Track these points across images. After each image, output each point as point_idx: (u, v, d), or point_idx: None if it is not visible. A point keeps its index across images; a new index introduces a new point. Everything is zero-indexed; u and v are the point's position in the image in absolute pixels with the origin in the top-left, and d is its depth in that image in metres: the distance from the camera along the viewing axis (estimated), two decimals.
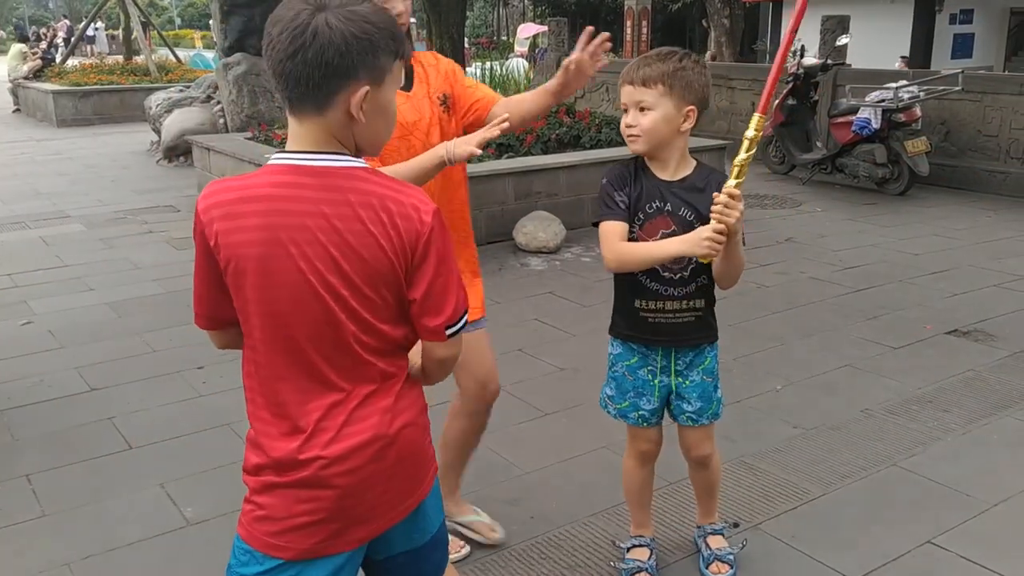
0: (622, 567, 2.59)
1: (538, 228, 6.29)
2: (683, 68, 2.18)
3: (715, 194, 2.10)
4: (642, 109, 2.19)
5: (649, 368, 2.37)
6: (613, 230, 2.22)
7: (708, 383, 2.39)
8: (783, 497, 3.00)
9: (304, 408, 1.43)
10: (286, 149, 1.44)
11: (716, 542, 2.61)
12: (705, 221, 2.16)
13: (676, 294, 2.28)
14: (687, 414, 2.39)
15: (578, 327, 4.72)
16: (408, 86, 2.38)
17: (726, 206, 2.06)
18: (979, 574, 2.57)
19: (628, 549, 2.62)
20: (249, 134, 8.59)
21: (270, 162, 1.44)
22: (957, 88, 8.12)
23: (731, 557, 2.58)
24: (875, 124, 8.02)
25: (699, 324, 2.33)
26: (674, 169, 2.27)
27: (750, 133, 2.07)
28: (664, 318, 2.30)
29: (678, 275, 2.27)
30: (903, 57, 17.20)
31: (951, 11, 20.05)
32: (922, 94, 8.16)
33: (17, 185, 9.31)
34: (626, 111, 2.23)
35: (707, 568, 2.56)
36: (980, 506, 2.91)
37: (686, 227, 2.21)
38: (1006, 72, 17.74)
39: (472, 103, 2.49)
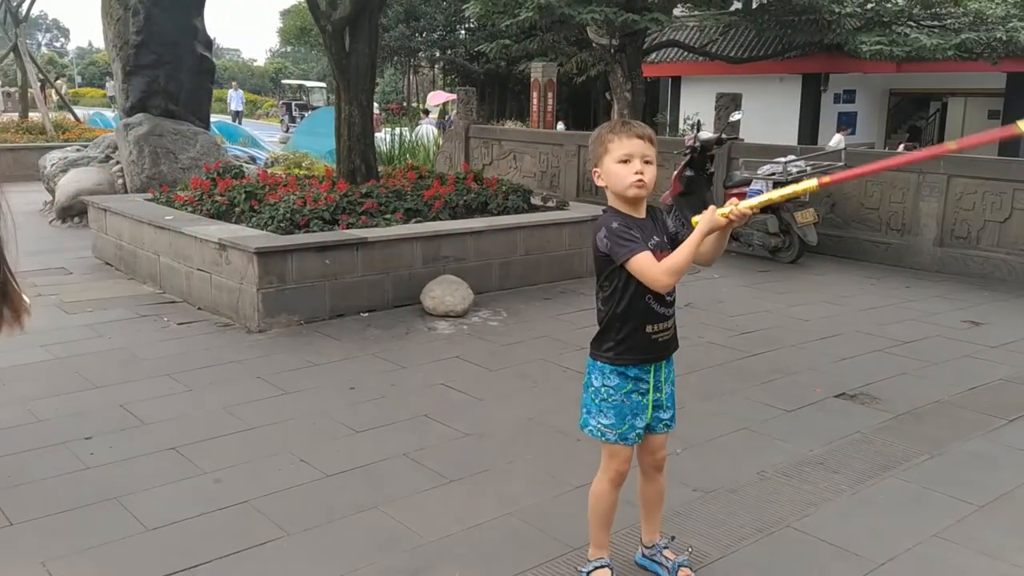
0: None
1: (446, 292, 6.31)
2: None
3: (734, 200, 2.61)
4: (647, 162, 2.57)
5: (640, 391, 2.68)
6: (648, 258, 2.52)
7: (673, 392, 2.82)
8: None
9: None
10: None
11: (671, 554, 2.91)
12: (671, 241, 2.66)
13: (670, 313, 2.69)
14: (664, 422, 2.77)
15: (485, 392, 4.73)
16: None
17: (744, 214, 2.58)
18: None
19: (590, 572, 2.79)
20: (149, 195, 8.36)
21: None
22: (840, 164, 8.63)
23: (688, 562, 2.91)
24: None
25: (675, 333, 2.75)
26: (641, 211, 2.67)
27: (798, 187, 2.70)
28: (667, 335, 2.70)
29: (672, 297, 2.67)
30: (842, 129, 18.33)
31: (835, 91, 21.42)
32: (809, 168, 8.64)
33: None
34: (628, 161, 2.56)
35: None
36: (869, 565, 3.02)
37: (670, 252, 2.61)
38: (887, 149, 18.95)
39: None
